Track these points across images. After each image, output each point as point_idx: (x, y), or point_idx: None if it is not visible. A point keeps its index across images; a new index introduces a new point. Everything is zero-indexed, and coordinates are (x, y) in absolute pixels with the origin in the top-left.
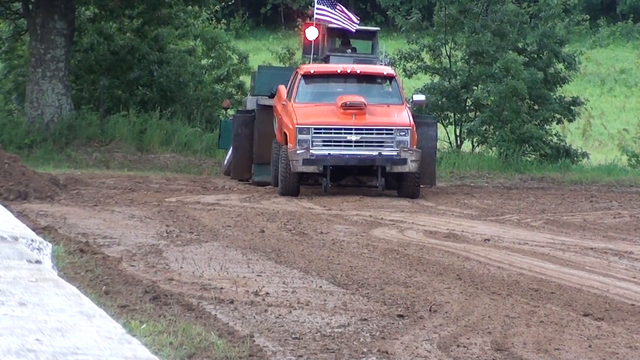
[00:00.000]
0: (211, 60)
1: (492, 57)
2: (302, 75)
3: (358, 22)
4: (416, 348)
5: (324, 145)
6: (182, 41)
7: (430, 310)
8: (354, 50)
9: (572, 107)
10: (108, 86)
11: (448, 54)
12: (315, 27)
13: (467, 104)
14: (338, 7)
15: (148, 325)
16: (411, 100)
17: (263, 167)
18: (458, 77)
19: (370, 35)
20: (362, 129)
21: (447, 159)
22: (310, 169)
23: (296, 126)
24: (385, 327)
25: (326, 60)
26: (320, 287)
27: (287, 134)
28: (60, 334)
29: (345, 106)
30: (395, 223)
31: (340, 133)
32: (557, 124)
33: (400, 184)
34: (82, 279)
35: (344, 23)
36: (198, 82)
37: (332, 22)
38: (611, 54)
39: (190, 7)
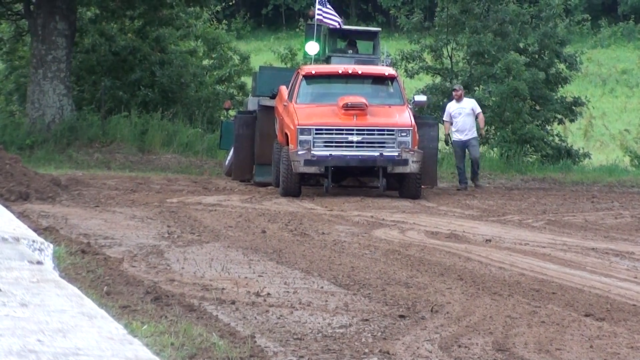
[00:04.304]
0: (212, 61)
1: (494, 57)
2: (304, 76)
3: (340, 22)
4: (417, 348)
5: (325, 146)
6: (183, 42)
7: (431, 311)
8: (355, 50)
9: (573, 108)
10: (109, 87)
11: (449, 54)
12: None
13: None
14: (328, 7)
15: (149, 326)
16: (412, 100)
17: (264, 168)
18: (459, 78)
19: (371, 36)
20: (363, 130)
21: (449, 159)
22: (312, 169)
23: (297, 127)
24: (386, 327)
25: (327, 60)
26: (322, 287)
27: (289, 134)
28: (61, 334)
29: (347, 107)
30: (396, 224)
31: (342, 134)
32: (558, 124)
33: (402, 185)
34: (83, 280)
35: (330, 19)
36: (199, 82)
37: (331, 23)
38: (612, 54)
39: (191, 7)
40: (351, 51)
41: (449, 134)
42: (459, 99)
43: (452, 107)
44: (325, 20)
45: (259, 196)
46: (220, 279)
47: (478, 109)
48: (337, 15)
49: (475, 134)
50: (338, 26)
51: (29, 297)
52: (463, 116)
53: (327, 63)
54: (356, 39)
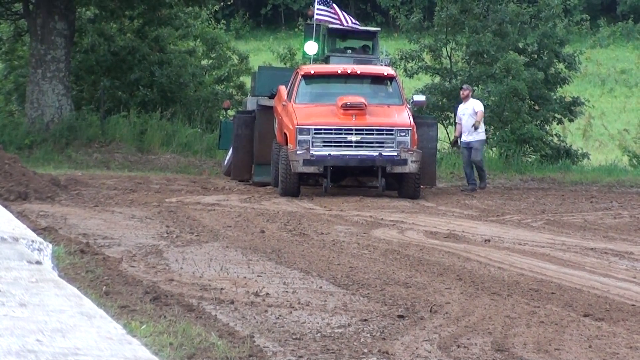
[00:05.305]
0: (211, 60)
1: (493, 57)
2: (303, 76)
3: (352, 22)
4: (416, 348)
5: (324, 146)
6: (182, 42)
7: (430, 311)
8: (354, 50)
9: (572, 108)
10: (108, 87)
11: (449, 54)
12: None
13: None
14: (332, 8)
15: (148, 325)
16: (411, 100)
17: (263, 168)
18: (459, 78)
19: (370, 36)
20: (362, 130)
21: (448, 159)
22: (311, 169)
23: (296, 127)
24: (385, 327)
25: (326, 60)
26: (321, 287)
27: (288, 134)
28: (60, 334)
29: (346, 107)
30: (395, 223)
31: (341, 133)
32: (557, 124)
33: (401, 185)
34: (82, 280)
35: (339, 21)
36: (198, 82)
37: (332, 22)
38: (611, 54)
39: (190, 7)
40: (350, 50)
41: (457, 137)
42: (464, 100)
43: (460, 108)
44: (324, 19)
45: (258, 196)
46: (219, 278)
47: (477, 108)
48: (339, 13)
49: (478, 137)
50: (347, 27)
51: (28, 297)
52: (466, 117)
53: (326, 63)
54: (354, 39)
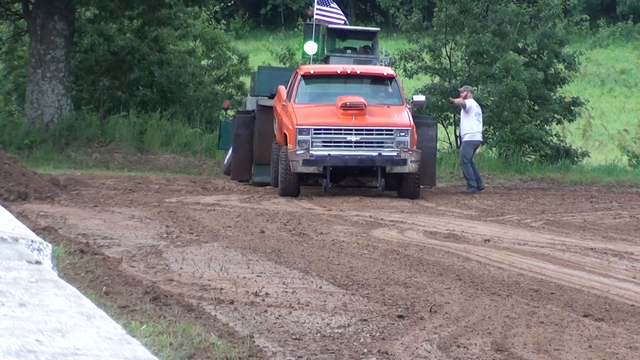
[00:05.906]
0: (211, 60)
1: (492, 57)
2: (302, 76)
3: (345, 21)
4: (416, 349)
5: (323, 146)
6: (182, 42)
7: (430, 311)
8: (354, 50)
9: (572, 108)
10: (108, 87)
11: (448, 54)
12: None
13: None
14: (333, 5)
15: (148, 325)
16: (411, 100)
17: (263, 168)
18: (458, 78)
19: (370, 36)
20: (362, 130)
21: (447, 159)
22: (310, 169)
23: (296, 127)
24: (385, 327)
25: (326, 60)
26: (320, 287)
27: (287, 134)
28: (60, 334)
29: (345, 107)
30: (395, 223)
31: (340, 134)
32: (557, 124)
33: (400, 185)
34: (82, 280)
35: (335, 18)
36: (198, 82)
37: (332, 22)
38: (611, 54)
39: (190, 7)
40: (349, 50)
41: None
42: None
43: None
44: (327, 19)
45: (258, 196)
46: (218, 279)
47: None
48: (342, 13)
49: (465, 138)
50: (343, 23)
51: (28, 297)
52: (462, 119)
53: (326, 63)
54: (353, 38)
